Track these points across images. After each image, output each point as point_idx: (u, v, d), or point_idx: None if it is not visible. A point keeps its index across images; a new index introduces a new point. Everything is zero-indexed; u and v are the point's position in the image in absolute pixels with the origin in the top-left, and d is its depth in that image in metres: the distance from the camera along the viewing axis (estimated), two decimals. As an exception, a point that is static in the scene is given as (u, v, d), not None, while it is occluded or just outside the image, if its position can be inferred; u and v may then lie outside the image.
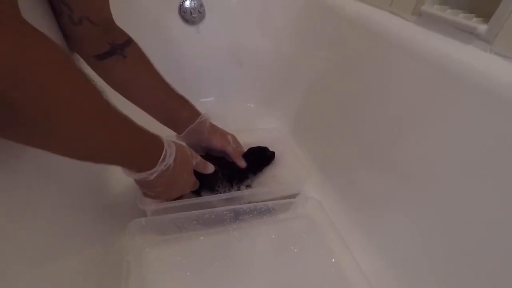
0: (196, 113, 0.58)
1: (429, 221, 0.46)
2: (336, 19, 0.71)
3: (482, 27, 0.41)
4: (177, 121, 0.57)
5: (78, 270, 0.41)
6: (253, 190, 0.60)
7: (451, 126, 0.43)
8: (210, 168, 0.54)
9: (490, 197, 0.38)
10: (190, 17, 0.85)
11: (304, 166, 0.65)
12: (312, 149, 0.76)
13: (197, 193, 0.56)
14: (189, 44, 0.88)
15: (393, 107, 0.54)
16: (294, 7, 0.85)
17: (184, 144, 0.55)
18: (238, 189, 0.59)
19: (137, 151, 0.40)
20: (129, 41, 0.50)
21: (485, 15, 0.42)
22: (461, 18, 0.45)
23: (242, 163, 0.59)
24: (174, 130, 0.58)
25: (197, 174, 0.53)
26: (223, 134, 0.61)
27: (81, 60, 0.49)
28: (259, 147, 0.65)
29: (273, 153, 0.66)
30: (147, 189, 0.47)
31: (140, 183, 0.45)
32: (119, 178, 0.59)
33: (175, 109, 0.56)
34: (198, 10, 0.86)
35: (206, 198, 0.54)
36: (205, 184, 0.55)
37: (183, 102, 0.57)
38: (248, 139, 0.67)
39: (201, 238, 0.55)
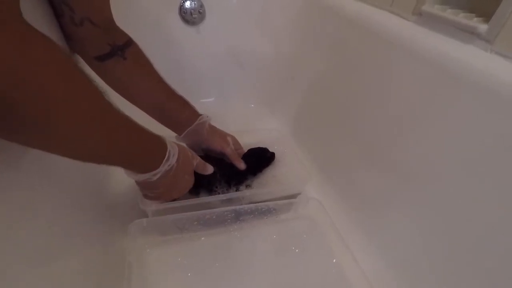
0: (195, 114, 0.58)
1: (429, 220, 0.46)
2: (336, 19, 0.71)
3: (483, 27, 0.41)
4: (177, 122, 0.57)
5: (78, 270, 0.41)
6: (254, 191, 0.60)
7: (451, 126, 0.43)
8: (209, 169, 0.54)
9: (489, 196, 0.38)
10: (190, 17, 0.86)
11: (304, 166, 0.65)
12: (312, 149, 0.76)
13: (195, 193, 0.56)
14: (189, 44, 0.88)
15: (393, 107, 0.54)
16: (294, 7, 0.85)
17: (184, 145, 0.55)
18: (237, 190, 0.59)
19: (140, 152, 0.40)
20: (129, 42, 0.51)
21: (486, 15, 0.42)
22: (462, 18, 0.45)
23: (241, 165, 0.59)
24: (174, 131, 0.58)
25: (196, 174, 0.53)
26: (222, 135, 0.61)
27: (82, 61, 0.49)
28: (259, 148, 0.65)
29: (273, 154, 0.66)
30: (149, 190, 0.47)
31: (142, 184, 0.45)
32: (119, 179, 0.60)
33: (175, 110, 0.56)
34: (199, 11, 0.86)
35: (207, 198, 0.54)
36: (203, 185, 0.55)
37: (183, 103, 0.57)
38: (248, 140, 0.67)
39: (202, 238, 0.54)
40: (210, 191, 0.57)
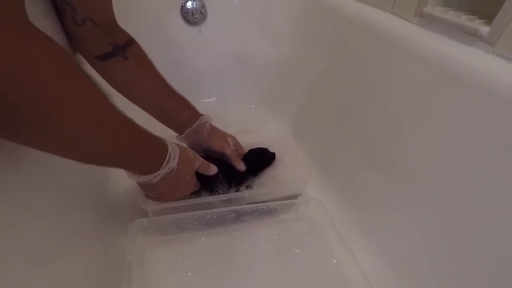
0: (196, 115, 0.58)
1: (429, 221, 0.46)
2: (337, 19, 0.71)
3: (485, 29, 0.41)
4: (178, 122, 0.57)
5: (79, 270, 0.41)
6: (254, 191, 0.60)
7: (452, 127, 0.43)
8: (213, 169, 0.54)
9: (490, 197, 0.38)
10: (192, 18, 0.86)
11: (304, 167, 0.65)
12: (313, 149, 0.76)
13: (196, 193, 0.56)
14: (190, 45, 0.88)
15: (394, 108, 0.54)
16: (295, 7, 0.85)
17: (185, 145, 0.55)
18: (237, 190, 0.59)
19: (141, 153, 0.40)
20: (130, 42, 0.51)
21: (488, 17, 0.43)
22: (464, 19, 0.45)
23: (241, 166, 0.59)
24: (175, 130, 0.58)
25: (197, 174, 0.53)
26: (223, 136, 0.61)
27: (83, 60, 0.49)
28: (259, 148, 0.65)
29: (273, 154, 0.66)
30: (150, 191, 0.47)
31: (143, 185, 0.45)
32: (120, 179, 0.59)
33: (176, 110, 0.56)
34: (200, 11, 0.86)
35: (208, 198, 0.54)
36: (204, 185, 0.55)
37: (184, 103, 0.57)
38: (248, 140, 0.67)
39: (203, 238, 0.54)
40: (211, 191, 0.57)
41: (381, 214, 0.55)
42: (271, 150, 0.66)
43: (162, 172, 0.43)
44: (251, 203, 0.57)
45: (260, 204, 0.56)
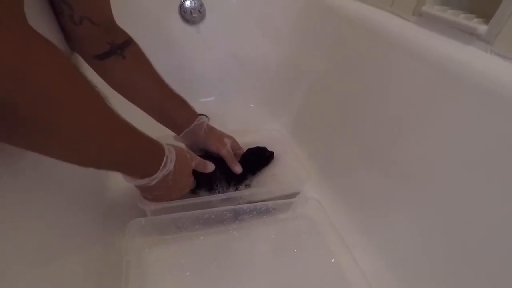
0: (194, 115, 0.58)
1: (429, 221, 0.46)
2: (337, 19, 0.71)
3: (483, 28, 0.41)
4: (175, 122, 0.57)
5: (78, 271, 0.41)
6: (253, 190, 0.60)
7: (451, 126, 0.43)
8: (210, 167, 0.54)
9: (490, 197, 0.38)
10: (190, 17, 0.85)
11: (304, 166, 0.65)
12: (312, 149, 0.76)
13: (194, 192, 0.56)
14: (189, 44, 0.88)
15: (393, 107, 0.54)
16: (294, 7, 0.85)
17: (183, 145, 0.55)
18: (236, 189, 0.59)
19: (138, 157, 0.41)
20: (128, 41, 0.50)
21: (486, 16, 0.43)
22: (462, 18, 0.45)
23: (236, 169, 0.58)
24: (173, 130, 0.58)
25: (196, 173, 0.53)
26: (220, 137, 0.60)
27: (81, 60, 0.49)
28: (257, 147, 0.65)
29: (272, 153, 0.66)
30: (148, 193, 0.47)
31: (141, 188, 0.46)
32: (118, 179, 0.59)
33: (173, 110, 0.56)
34: (199, 10, 0.86)
35: (206, 198, 0.54)
36: (203, 184, 0.55)
37: (181, 104, 0.57)
38: (248, 140, 0.67)
39: (201, 238, 0.55)
40: (210, 189, 0.57)
41: (381, 214, 0.55)
42: (270, 149, 0.66)
43: (160, 175, 0.43)
44: (249, 202, 0.57)
45: (259, 203, 0.56)
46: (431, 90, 0.46)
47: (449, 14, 0.47)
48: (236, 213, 0.56)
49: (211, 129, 0.60)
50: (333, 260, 0.53)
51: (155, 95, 0.54)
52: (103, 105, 0.32)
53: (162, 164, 0.43)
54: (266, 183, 0.62)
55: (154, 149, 0.43)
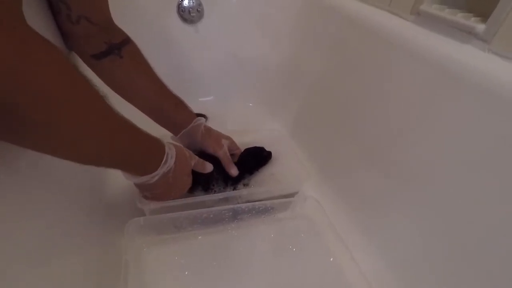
0: (191, 116, 0.58)
1: (429, 221, 0.46)
2: (335, 18, 0.71)
3: (480, 27, 0.41)
4: (173, 123, 0.57)
5: (77, 270, 0.41)
6: (252, 189, 0.60)
7: (451, 126, 0.43)
8: (208, 167, 0.54)
9: (490, 197, 0.38)
10: (188, 16, 0.85)
11: (303, 166, 0.65)
12: (312, 149, 0.76)
13: (190, 191, 0.55)
14: (188, 43, 0.88)
15: (393, 107, 0.54)
16: (294, 6, 0.85)
17: (181, 145, 0.54)
18: (234, 189, 0.59)
19: (139, 154, 0.41)
20: (126, 41, 0.50)
21: (483, 15, 0.43)
22: (460, 17, 0.45)
23: (232, 171, 0.58)
24: (170, 131, 0.58)
25: (194, 173, 0.53)
26: (217, 138, 0.60)
27: (79, 59, 0.49)
28: (255, 147, 0.65)
29: (269, 153, 0.66)
30: (147, 191, 0.47)
31: (141, 186, 0.46)
32: (117, 178, 0.59)
33: (170, 110, 0.56)
34: (197, 9, 0.85)
35: (205, 197, 0.54)
36: (200, 183, 0.55)
37: (179, 104, 0.57)
38: (247, 140, 0.67)
39: (200, 237, 0.55)
40: (207, 189, 0.57)
41: (381, 214, 0.55)
42: (269, 149, 0.66)
43: (160, 172, 0.43)
44: (248, 201, 0.57)
45: (257, 202, 0.56)
46: (431, 89, 0.46)
47: (447, 13, 0.47)
48: (235, 213, 0.56)
49: (208, 130, 0.59)
50: (332, 260, 0.53)
51: (152, 95, 0.54)
52: (102, 103, 0.32)
53: (163, 161, 0.43)
54: (265, 182, 0.62)
55: (155, 146, 0.43)
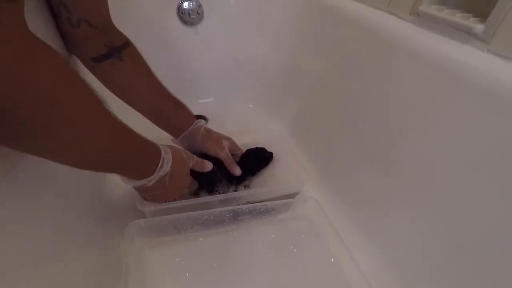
0: (191, 119, 0.58)
1: (429, 221, 0.46)
2: (335, 19, 0.71)
3: (479, 27, 0.41)
4: (173, 126, 0.57)
5: (78, 273, 0.41)
6: (252, 190, 0.60)
7: (451, 126, 0.43)
8: (208, 165, 0.54)
9: (489, 196, 0.38)
10: (188, 18, 0.85)
11: (303, 166, 0.65)
12: (312, 149, 0.76)
13: (196, 194, 0.56)
14: (188, 45, 0.88)
15: (393, 107, 0.54)
16: (294, 7, 0.85)
17: (179, 146, 0.55)
18: (236, 190, 0.59)
19: (135, 159, 0.41)
20: (126, 44, 0.50)
21: (482, 15, 0.43)
22: (458, 18, 0.45)
23: (236, 171, 0.58)
24: (170, 134, 0.58)
25: (196, 175, 0.53)
26: (218, 140, 0.60)
27: (79, 63, 0.49)
28: (256, 148, 0.65)
29: (271, 154, 0.66)
30: (146, 193, 0.48)
31: (139, 189, 0.46)
32: (117, 180, 0.59)
33: (170, 113, 0.56)
34: (197, 11, 0.86)
35: (205, 198, 0.54)
36: (204, 185, 0.55)
37: (179, 107, 0.57)
38: (247, 140, 0.67)
39: (200, 239, 0.55)
40: (211, 191, 0.57)
41: (381, 214, 0.55)
42: (270, 150, 0.66)
43: (157, 176, 0.43)
44: (248, 202, 0.57)
45: (258, 203, 0.56)
46: (430, 90, 0.46)
47: (446, 14, 0.47)
48: (235, 214, 0.56)
49: (208, 132, 0.59)
50: (332, 260, 0.53)
51: (152, 98, 0.54)
52: (101, 108, 0.33)
53: (159, 166, 0.43)
54: (266, 183, 0.62)
55: (151, 151, 0.43)
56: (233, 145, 0.63)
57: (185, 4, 0.84)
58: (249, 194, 0.59)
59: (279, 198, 0.59)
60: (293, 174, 0.64)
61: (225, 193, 0.57)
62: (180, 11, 0.84)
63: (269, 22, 0.91)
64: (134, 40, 0.52)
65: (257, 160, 0.64)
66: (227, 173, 0.58)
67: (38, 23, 0.40)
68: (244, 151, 0.64)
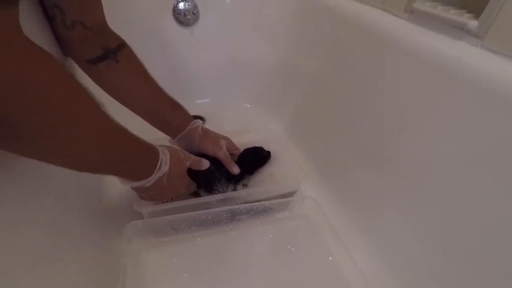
0: (188, 119, 0.58)
1: (425, 219, 0.46)
2: (330, 18, 0.71)
3: (473, 23, 0.41)
4: (170, 126, 0.57)
5: (76, 274, 0.41)
6: (250, 190, 0.60)
7: (445, 123, 0.43)
8: (205, 163, 0.54)
9: (486, 193, 0.38)
10: (184, 19, 0.85)
11: (301, 167, 0.65)
12: (309, 149, 0.76)
13: (195, 193, 0.56)
14: (184, 46, 0.88)
15: (388, 105, 0.54)
16: (289, 7, 0.85)
17: (176, 147, 0.55)
18: (235, 189, 0.59)
19: (133, 161, 0.41)
20: (122, 45, 0.51)
21: (476, 11, 0.43)
22: (452, 14, 0.45)
23: (234, 170, 0.58)
24: (168, 134, 0.59)
25: (195, 174, 0.53)
26: (215, 139, 0.60)
27: (75, 65, 0.49)
28: (254, 147, 0.65)
29: (268, 153, 0.66)
30: (144, 193, 0.48)
31: (137, 189, 0.47)
32: (115, 182, 0.59)
33: (167, 114, 0.56)
34: (192, 12, 0.86)
35: (203, 198, 0.54)
36: (203, 184, 0.56)
37: (176, 108, 0.57)
38: (245, 140, 0.67)
39: (198, 239, 0.55)
40: (210, 190, 0.57)
41: (378, 213, 0.55)
42: (267, 149, 0.66)
43: (154, 177, 0.44)
44: (246, 202, 0.57)
45: (255, 203, 0.56)
46: (425, 87, 0.46)
47: (440, 10, 0.47)
48: (233, 214, 0.56)
49: (205, 132, 0.60)
50: (330, 259, 0.53)
51: (149, 99, 0.54)
52: (99, 110, 0.33)
53: (157, 167, 0.43)
54: (263, 182, 0.62)
55: (149, 153, 0.44)
56: (230, 144, 0.63)
57: (181, 5, 0.84)
58: (247, 193, 0.59)
59: (277, 197, 0.59)
60: (290, 173, 0.64)
61: (224, 192, 0.57)
62: (176, 12, 0.85)
63: (265, 22, 0.91)
64: (129, 41, 0.52)
65: (255, 159, 0.64)
66: (225, 172, 0.59)
67: (33, 27, 0.40)
68: (241, 150, 0.64)
